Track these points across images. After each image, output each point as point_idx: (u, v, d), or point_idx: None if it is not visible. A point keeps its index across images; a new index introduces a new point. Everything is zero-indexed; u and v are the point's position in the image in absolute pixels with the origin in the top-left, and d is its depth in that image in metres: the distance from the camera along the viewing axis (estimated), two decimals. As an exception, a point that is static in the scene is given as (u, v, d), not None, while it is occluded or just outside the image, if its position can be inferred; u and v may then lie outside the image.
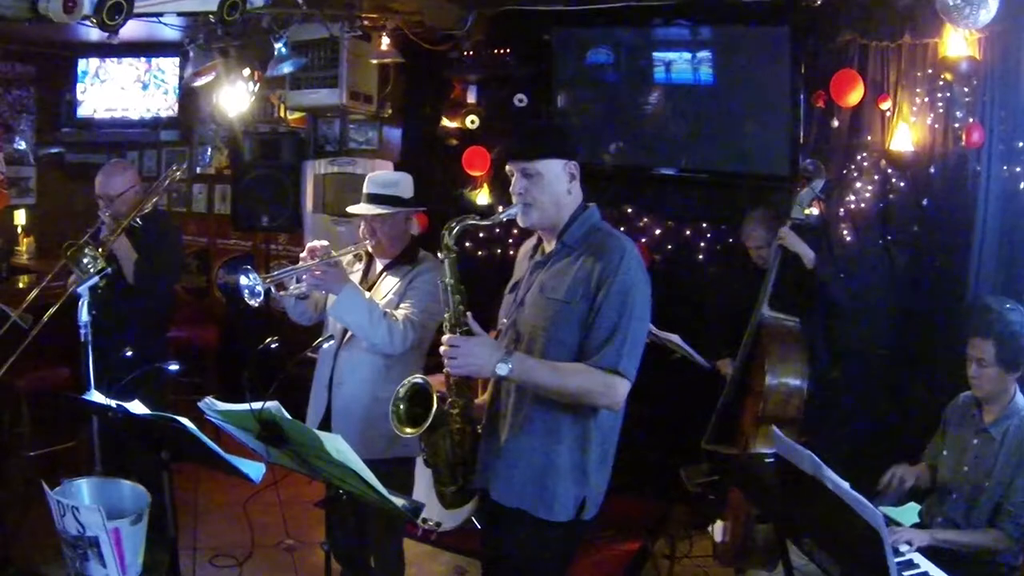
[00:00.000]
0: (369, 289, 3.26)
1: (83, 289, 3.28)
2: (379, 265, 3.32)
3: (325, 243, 3.15)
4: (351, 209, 3.26)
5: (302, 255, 3.11)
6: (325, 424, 3.21)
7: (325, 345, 3.12)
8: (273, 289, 3.04)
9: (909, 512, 3.25)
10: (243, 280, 2.92)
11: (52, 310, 3.46)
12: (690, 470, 4.21)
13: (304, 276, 3.03)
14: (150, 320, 3.99)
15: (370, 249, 3.29)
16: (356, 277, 3.32)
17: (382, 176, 3.33)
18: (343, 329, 3.19)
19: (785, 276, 4.01)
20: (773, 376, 3.81)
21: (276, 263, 6.46)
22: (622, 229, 4.75)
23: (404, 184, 3.28)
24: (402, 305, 3.12)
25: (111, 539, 2.27)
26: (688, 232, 5.12)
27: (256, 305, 2.93)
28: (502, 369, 2.28)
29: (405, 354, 3.10)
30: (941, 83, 4.20)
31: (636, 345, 2.37)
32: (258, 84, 5.75)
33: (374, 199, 3.20)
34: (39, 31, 5.59)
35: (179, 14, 4.07)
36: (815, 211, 4.52)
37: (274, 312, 3.21)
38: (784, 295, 4.02)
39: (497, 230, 5.46)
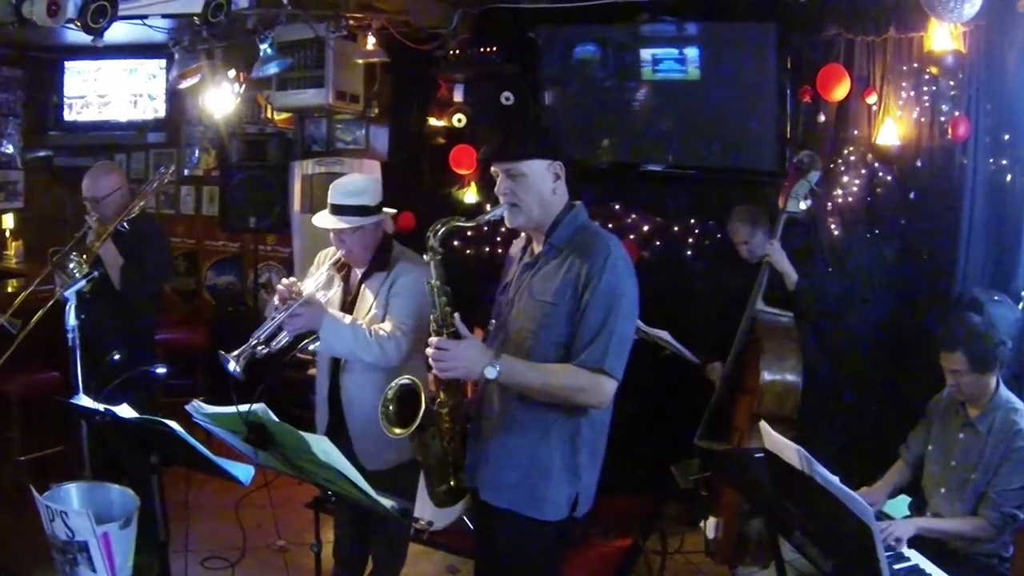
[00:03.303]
0: (353, 300, 3.19)
1: (70, 293, 3.27)
2: (358, 273, 3.23)
3: (292, 279, 3.01)
4: (315, 220, 3.13)
5: (275, 302, 2.97)
6: (331, 436, 3.16)
7: (311, 347, 3.09)
8: (257, 352, 2.91)
9: (900, 504, 3.27)
10: (229, 366, 2.82)
11: (40, 314, 3.44)
12: (681, 466, 4.22)
13: (283, 325, 2.91)
14: (138, 323, 3.97)
15: (343, 258, 3.18)
16: (339, 294, 3.25)
17: (347, 184, 3.13)
18: None
19: (777, 273, 4.03)
20: (769, 373, 3.82)
21: (264, 264, 6.47)
22: (610, 226, 4.78)
23: (371, 191, 3.11)
24: (388, 317, 3.05)
25: (100, 543, 2.26)
26: (676, 228, 5.12)
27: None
28: (490, 372, 2.28)
29: (406, 361, 3.04)
30: (927, 77, 4.22)
31: (623, 343, 2.37)
32: (244, 85, 5.73)
33: (339, 210, 3.06)
34: (25, 34, 5.55)
35: (164, 16, 4.05)
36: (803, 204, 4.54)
37: (262, 313, 3.17)
38: (777, 290, 4.04)
39: (484, 229, 5.44)
